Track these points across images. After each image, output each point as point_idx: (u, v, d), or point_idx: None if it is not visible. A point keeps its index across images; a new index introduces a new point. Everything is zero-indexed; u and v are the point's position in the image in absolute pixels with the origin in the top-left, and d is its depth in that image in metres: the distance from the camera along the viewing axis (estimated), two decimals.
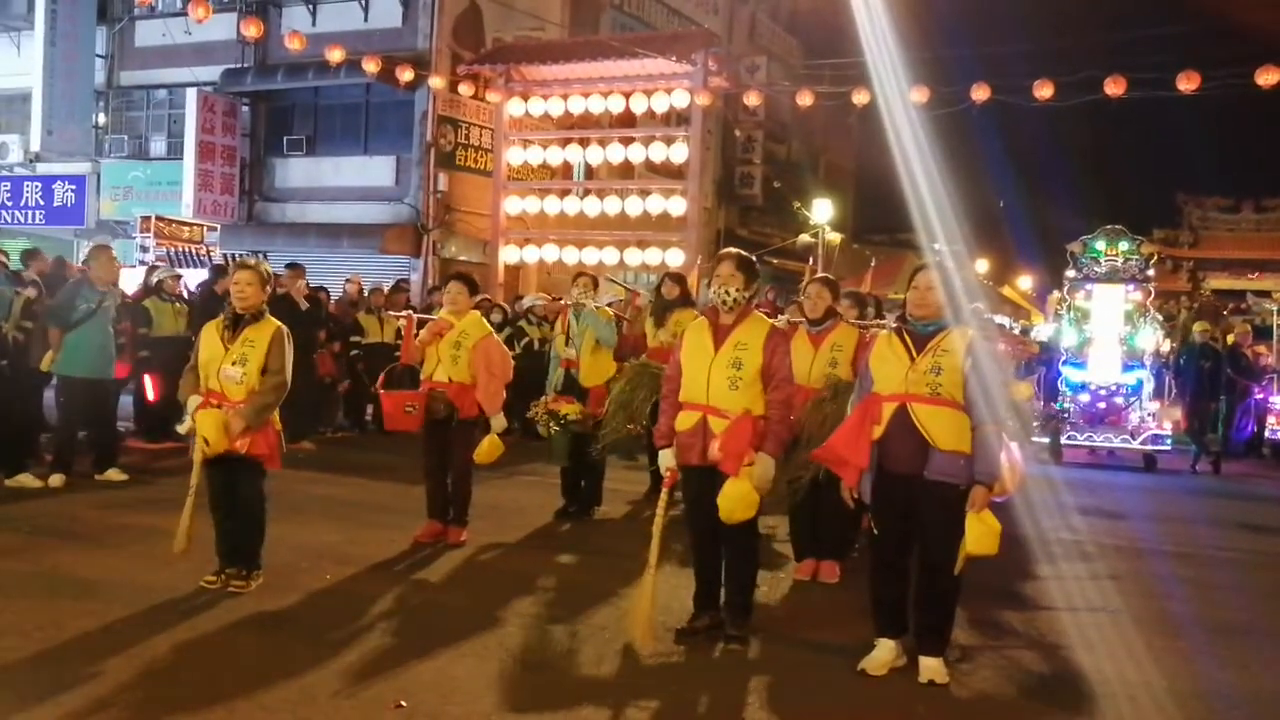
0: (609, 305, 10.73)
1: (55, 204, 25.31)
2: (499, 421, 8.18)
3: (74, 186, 25.25)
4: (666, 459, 6.07)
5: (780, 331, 6.07)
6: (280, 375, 6.66)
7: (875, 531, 5.67)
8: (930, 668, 5.46)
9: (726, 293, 5.91)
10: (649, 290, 11.88)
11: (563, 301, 9.88)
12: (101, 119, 25.60)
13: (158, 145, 25.38)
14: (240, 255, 20.27)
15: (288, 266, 13.69)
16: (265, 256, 21.18)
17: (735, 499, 5.67)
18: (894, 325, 5.72)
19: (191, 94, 23.17)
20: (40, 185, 25.47)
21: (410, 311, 8.93)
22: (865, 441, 5.52)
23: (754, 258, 6.22)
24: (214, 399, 6.64)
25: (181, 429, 6.92)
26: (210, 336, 6.78)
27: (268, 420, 6.68)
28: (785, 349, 5.95)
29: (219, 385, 6.63)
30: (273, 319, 6.82)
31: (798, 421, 6.85)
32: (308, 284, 13.65)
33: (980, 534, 5.24)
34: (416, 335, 8.31)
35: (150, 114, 25.65)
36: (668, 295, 10.08)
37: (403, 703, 4.92)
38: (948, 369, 5.35)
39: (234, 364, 6.59)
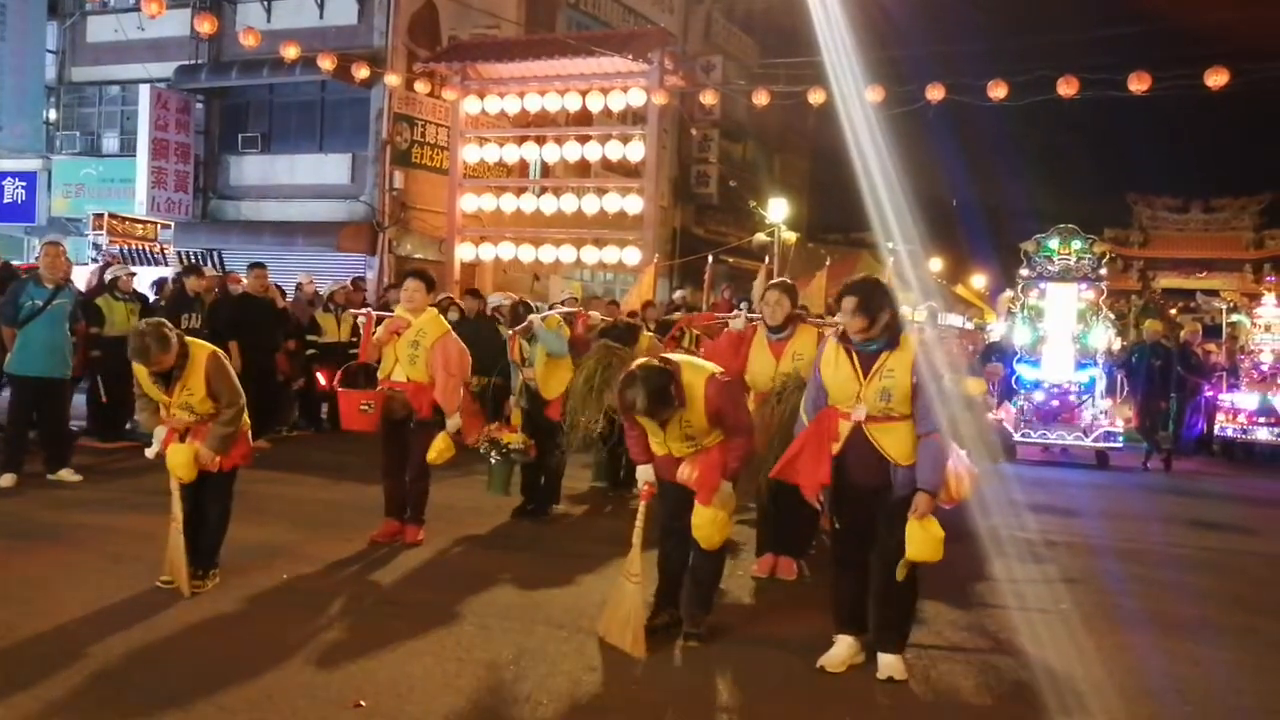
0: (562, 304, 10.67)
1: (5, 201, 25.01)
2: (454, 421, 8.10)
3: (24, 183, 24.94)
4: (645, 474, 6.13)
5: (717, 381, 5.89)
6: (235, 404, 6.58)
7: (836, 526, 5.71)
8: (889, 664, 5.51)
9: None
10: (605, 292, 11.78)
11: (510, 331, 9.73)
12: (53, 115, 25.32)
13: (110, 142, 25.14)
14: (193, 254, 20.13)
15: (251, 266, 13.58)
16: (219, 254, 21.06)
17: (709, 525, 5.79)
18: (838, 339, 5.69)
19: (145, 90, 22.95)
20: None
21: (369, 309, 8.84)
22: (825, 460, 5.59)
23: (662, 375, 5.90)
24: (178, 426, 6.61)
25: (150, 454, 6.83)
26: (145, 380, 6.55)
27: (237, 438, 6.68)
28: (727, 398, 5.89)
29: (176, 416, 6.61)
30: (198, 350, 6.53)
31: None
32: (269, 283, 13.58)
33: (922, 540, 5.32)
34: (375, 333, 8.24)
35: (103, 110, 25.39)
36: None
37: (362, 702, 4.90)
38: (897, 390, 5.41)
39: (183, 410, 6.53)
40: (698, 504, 5.81)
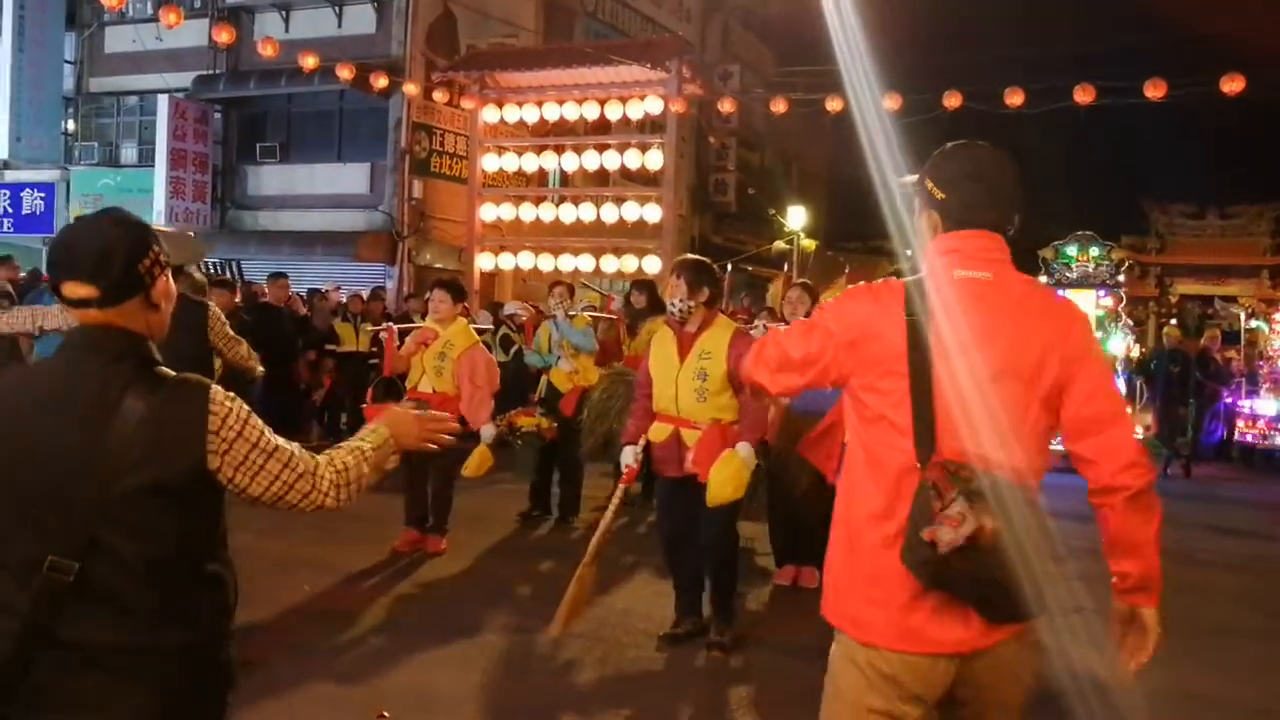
0: (584, 310, 10.75)
1: (24, 212, 25.08)
2: (488, 431, 8.06)
3: (43, 194, 25.04)
4: (627, 456, 6.12)
5: (744, 335, 6.06)
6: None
7: None
8: None
9: (673, 304, 5.94)
10: (622, 296, 11.91)
11: (544, 312, 9.90)
12: (71, 126, 25.42)
13: (128, 152, 25.20)
14: (212, 264, 20.22)
15: (271, 276, 13.64)
16: (238, 264, 21.14)
17: (724, 480, 5.64)
18: None
19: (163, 100, 22.99)
20: (8, 193, 25.17)
21: (390, 324, 8.89)
22: (839, 441, 5.58)
23: (704, 261, 6.17)
24: None
25: None
26: None
27: None
28: (749, 348, 5.98)
29: None
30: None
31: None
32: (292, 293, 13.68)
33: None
34: (399, 347, 8.23)
35: (121, 120, 25.48)
36: (636, 305, 10.04)
37: (385, 713, 4.92)
38: None
39: None
40: (705, 485, 5.70)
